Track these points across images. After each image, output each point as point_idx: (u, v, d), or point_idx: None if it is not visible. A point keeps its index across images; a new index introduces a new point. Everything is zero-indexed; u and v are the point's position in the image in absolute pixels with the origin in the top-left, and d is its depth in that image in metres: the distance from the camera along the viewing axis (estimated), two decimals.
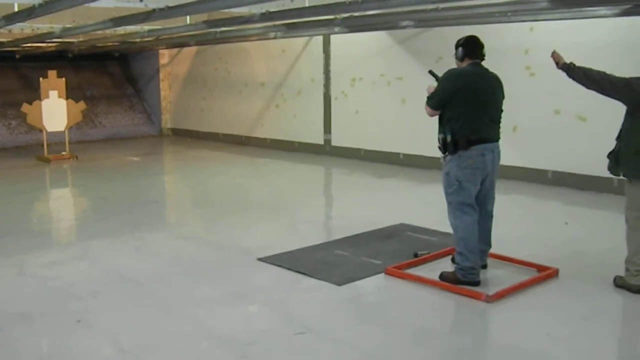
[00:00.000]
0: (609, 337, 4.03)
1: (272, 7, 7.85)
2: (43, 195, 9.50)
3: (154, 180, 10.61)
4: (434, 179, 8.66)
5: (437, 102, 4.72)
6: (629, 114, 4.62)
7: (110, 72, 17.31)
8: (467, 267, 4.67)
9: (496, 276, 4.97)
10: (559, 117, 8.41)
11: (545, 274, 4.94)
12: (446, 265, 5.18)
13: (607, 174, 4.91)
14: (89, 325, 4.17)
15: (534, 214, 7.30)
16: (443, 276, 4.82)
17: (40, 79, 12.03)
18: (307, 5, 7.63)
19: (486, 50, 4.82)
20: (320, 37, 11.77)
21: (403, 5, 7.19)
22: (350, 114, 11.43)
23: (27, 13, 7.14)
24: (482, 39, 4.84)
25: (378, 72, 10.83)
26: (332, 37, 11.56)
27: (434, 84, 4.90)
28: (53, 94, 12.02)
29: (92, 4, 6.52)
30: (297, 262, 5.39)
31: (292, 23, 9.43)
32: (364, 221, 6.73)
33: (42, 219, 7.83)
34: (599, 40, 7.87)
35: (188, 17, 9.24)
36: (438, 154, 4.86)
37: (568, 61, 4.73)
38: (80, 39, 12.24)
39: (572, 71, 4.68)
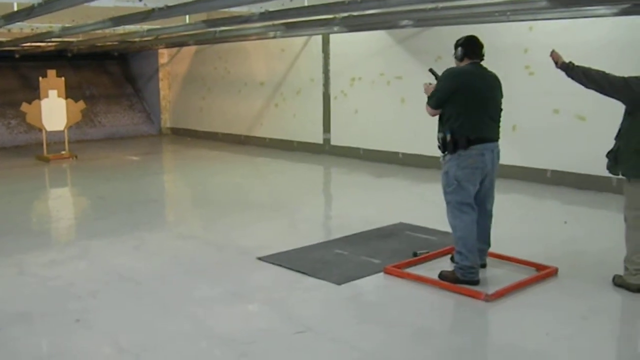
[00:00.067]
0: (608, 336, 4.03)
1: (272, 7, 7.84)
2: (42, 194, 9.50)
3: (154, 179, 10.61)
4: (433, 178, 8.65)
5: (436, 101, 4.73)
6: (628, 113, 4.63)
7: (109, 71, 17.30)
8: (467, 266, 4.68)
9: (495, 275, 4.97)
10: (558, 116, 8.41)
11: (544, 273, 4.94)
12: (445, 264, 5.18)
13: (606, 173, 4.92)
14: (88, 325, 4.18)
15: (533, 213, 7.30)
16: (442, 275, 4.82)
17: (40, 78, 12.03)
18: (306, 4, 7.63)
19: (485, 49, 4.82)
20: (320, 37, 11.76)
21: (402, 4, 7.18)
22: (350, 114, 11.43)
23: (27, 12, 7.14)
24: (482, 39, 4.84)
25: (377, 71, 10.84)
26: (332, 36, 11.56)
27: (432, 82, 4.91)
28: (52, 93, 12.02)
29: (92, 4, 6.52)
30: (297, 261, 5.39)
31: (292, 22, 9.43)
32: (363, 220, 6.73)
33: (42, 219, 7.83)
34: (598, 39, 7.87)
35: (187, 17, 9.24)
36: (437, 153, 4.87)
37: (567, 60, 4.73)
38: (80, 39, 12.23)
39: (571, 70, 4.68)
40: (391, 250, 5.67)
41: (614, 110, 4.90)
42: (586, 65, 4.70)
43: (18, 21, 8.02)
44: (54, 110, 12.04)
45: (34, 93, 13.01)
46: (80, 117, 12.70)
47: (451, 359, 3.71)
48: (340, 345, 3.85)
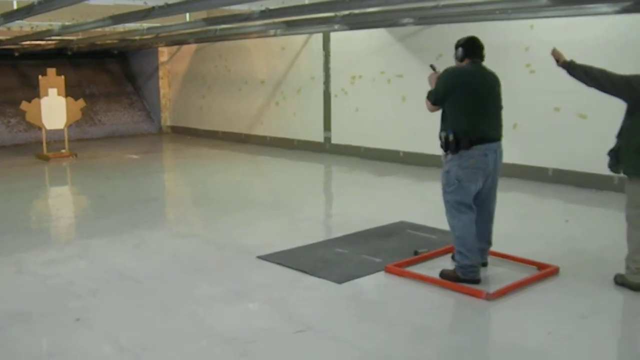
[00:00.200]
0: (609, 336, 4.02)
1: (272, 5, 7.83)
2: (42, 193, 9.49)
3: (154, 178, 10.60)
4: (434, 176, 8.64)
5: (436, 98, 4.72)
6: (629, 112, 4.61)
7: (109, 69, 17.29)
8: (467, 265, 4.67)
9: (496, 274, 4.96)
10: (559, 114, 8.39)
11: (545, 271, 4.93)
12: (446, 263, 5.17)
13: (608, 172, 4.91)
14: (88, 324, 4.17)
15: (535, 211, 7.29)
16: (443, 274, 4.81)
17: (40, 76, 12.02)
18: (306, 2, 7.61)
19: (486, 47, 4.80)
20: (320, 35, 11.75)
21: (403, 2, 7.18)
22: (350, 112, 11.42)
23: (26, 11, 7.13)
24: (483, 37, 4.83)
25: (378, 69, 10.82)
26: (332, 34, 11.54)
27: (434, 74, 4.90)
28: (52, 91, 12.00)
29: (92, 2, 6.52)
30: (297, 260, 5.38)
31: (292, 20, 9.42)
32: (363, 219, 6.72)
33: (41, 217, 7.81)
34: (599, 37, 7.85)
35: (187, 15, 9.23)
36: (438, 151, 4.85)
37: (568, 59, 4.72)
38: (80, 37, 12.22)
39: (573, 69, 4.67)
40: (392, 249, 5.66)
41: (615, 109, 4.88)
42: (587, 63, 4.69)
43: (18, 19, 8.01)
44: (53, 108, 12.03)
45: (33, 91, 12.98)
46: (80, 116, 12.68)
47: (452, 358, 3.70)
48: (340, 344, 3.84)
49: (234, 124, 14.24)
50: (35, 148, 13.17)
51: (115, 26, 9.87)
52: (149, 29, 10.32)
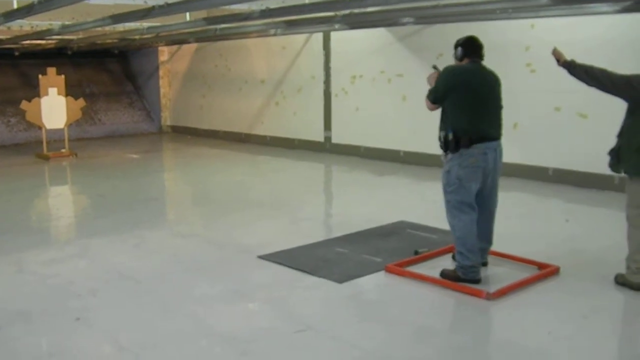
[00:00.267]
0: (609, 335, 4.02)
1: (272, 4, 7.83)
2: (42, 192, 9.49)
3: (154, 177, 10.60)
4: (434, 176, 8.64)
5: (435, 97, 4.72)
6: (630, 112, 4.61)
7: (109, 69, 17.29)
8: (468, 265, 4.66)
9: (497, 274, 4.96)
10: (559, 114, 8.39)
11: (546, 271, 4.93)
12: (446, 262, 5.16)
13: (608, 172, 4.90)
14: (88, 323, 4.16)
15: (535, 211, 7.29)
16: (444, 274, 4.81)
17: (40, 76, 12.02)
18: (307, 2, 7.61)
19: (487, 47, 4.80)
20: (321, 34, 11.74)
21: (403, 2, 7.17)
22: (351, 111, 11.41)
23: (26, 10, 7.12)
24: (483, 36, 4.82)
25: (378, 69, 10.81)
26: (332, 34, 11.54)
27: (434, 74, 4.89)
28: (52, 91, 12.00)
29: (92, 1, 6.52)
30: (298, 259, 5.37)
31: (292, 20, 9.42)
32: (364, 219, 6.72)
33: (41, 217, 7.81)
34: (599, 37, 7.85)
35: (188, 14, 9.22)
36: (438, 151, 4.84)
37: (569, 58, 4.72)
38: (80, 36, 12.21)
39: (573, 68, 4.66)
40: (392, 248, 5.66)
41: (615, 108, 4.87)
42: (588, 63, 4.68)
43: (18, 19, 8.00)
44: (53, 108, 12.02)
45: (33, 91, 12.98)
46: (80, 115, 12.68)
47: (452, 357, 3.69)
48: (340, 344, 3.83)
49: (234, 124, 14.24)
50: (35, 147, 13.17)
51: (115, 25, 9.86)
52: (149, 28, 10.32)
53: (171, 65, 16.27)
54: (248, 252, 5.65)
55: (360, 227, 6.39)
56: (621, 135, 4.66)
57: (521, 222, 6.72)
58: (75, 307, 4.41)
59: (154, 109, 16.72)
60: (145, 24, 10.17)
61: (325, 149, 11.98)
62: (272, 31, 10.66)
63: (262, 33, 11.13)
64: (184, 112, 15.98)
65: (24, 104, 11.93)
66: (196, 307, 4.42)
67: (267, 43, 12.94)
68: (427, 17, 8.72)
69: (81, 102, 12.52)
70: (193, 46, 15.15)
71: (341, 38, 11.42)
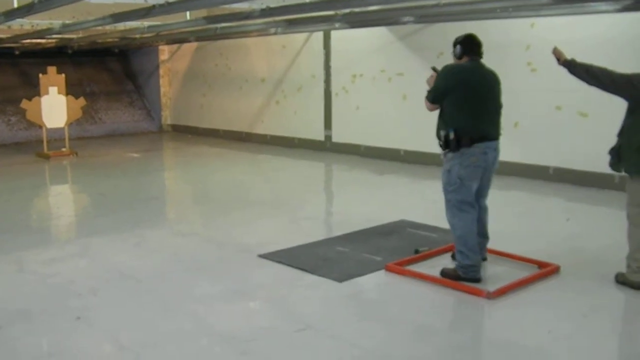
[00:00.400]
0: (609, 334, 4.02)
1: (272, 3, 7.83)
2: (42, 191, 9.50)
3: (154, 176, 10.60)
4: (434, 175, 8.63)
5: (434, 96, 4.71)
6: (630, 111, 4.60)
7: (110, 68, 17.29)
8: (468, 264, 4.66)
9: (497, 273, 4.96)
10: (560, 113, 8.38)
11: (546, 270, 4.92)
12: (447, 261, 5.16)
13: (609, 171, 4.90)
14: (88, 323, 4.16)
15: (535, 210, 7.28)
16: (444, 273, 4.81)
17: (40, 75, 12.02)
18: (307, 1, 7.60)
19: (487, 46, 4.79)
20: (321, 33, 11.74)
21: (404, 0, 7.16)
22: (351, 110, 11.41)
23: (27, 9, 7.12)
24: (484, 35, 4.82)
25: (379, 68, 10.81)
26: (333, 32, 11.53)
27: (433, 75, 4.89)
28: (53, 90, 12.00)
29: (92, 0, 6.51)
30: (298, 258, 5.38)
31: (293, 19, 9.41)
32: (364, 218, 6.71)
33: (42, 216, 7.81)
34: (600, 36, 7.84)
35: (188, 13, 9.22)
36: (438, 150, 4.84)
37: (569, 57, 4.71)
38: (80, 35, 12.21)
39: (574, 67, 4.66)
40: (392, 247, 5.65)
41: (616, 107, 4.87)
42: (588, 62, 4.68)
43: (18, 17, 8.00)
44: (54, 107, 12.02)
45: (34, 90, 12.99)
46: (81, 114, 12.69)
47: (452, 356, 3.69)
48: (340, 343, 3.83)
49: (235, 123, 14.24)
50: (36, 146, 13.18)
51: (115, 24, 9.86)
52: (149, 27, 10.31)
53: (171, 64, 16.27)
54: (248, 251, 5.65)
55: (361, 226, 6.39)
56: (621, 134, 4.66)
57: (521, 220, 6.72)
58: (75, 307, 4.41)
59: (155, 108, 16.72)
60: (145, 23, 10.17)
61: (325, 147, 11.97)
62: (273, 30, 10.66)
63: (262, 32, 11.13)
64: (185, 111, 15.98)
65: (25, 103, 11.93)
66: (196, 306, 4.43)
67: (268, 42, 12.93)
68: (428, 16, 8.71)
69: (81, 101, 12.52)
70: (193, 45, 15.15)
71: (341, 37, 11.41)
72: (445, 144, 4.65)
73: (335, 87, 11.69)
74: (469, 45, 4.72)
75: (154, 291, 4.76)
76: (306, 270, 5.08)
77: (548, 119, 8.50)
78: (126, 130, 16.11)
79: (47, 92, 11.95)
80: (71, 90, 12.70)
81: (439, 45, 9.30)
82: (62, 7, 7.34)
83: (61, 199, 9.00)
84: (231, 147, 13.22)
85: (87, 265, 5.49)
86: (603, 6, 7.04)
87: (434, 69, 4.98)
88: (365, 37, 10.88)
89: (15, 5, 7.54)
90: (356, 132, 11.35)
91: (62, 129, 12.36)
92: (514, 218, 6.70)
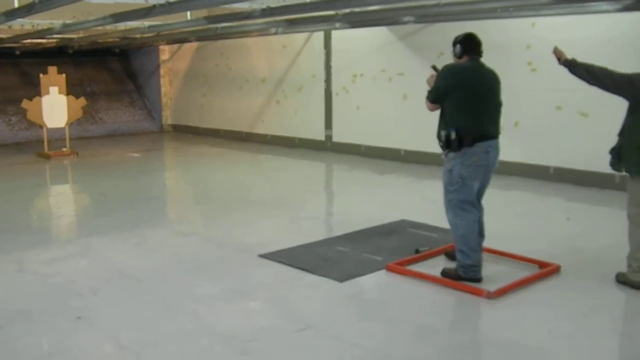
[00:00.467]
0: (610, 334, 4.02)
1: (273, 3, 7.83)
2: (43, 191, 9.50)
3: (155, 176, 10.60)
4: (435, 175, 8.64)
5: (435, 96, 4.71)
6: (630, 110, 4.60)
7: (110, 68, 17.29)
8: (469, 264, 4.66)
9: (497, 272, 4.96)
10: (560, 112, 8.38)
11: (546, 270, 4.92)
12: (453, 261, 5.15)
13: (609, 170, 4.89)
14: (89, 322, 4.17)
15: (536, 210, 7.28)
16: (444, 272, 4.81)
17: (41, 75, 12.02)
18: (307, 1, 7.60)
19: (488, 46, 4.79)
20: (321, 33, 11.74)
21: (404, 0, 7.16)
22: (351, 110, 11.41)
23: (27, 9, 7.13)
24: (484, 35, 4.81)
25: (379, 67, 10.81)
26: (333, 32, 11.53)
27: (433, 75, 4.88)
28: (53, 90, 12.00)
29: (93, 0, 6.51)
30: (298, 258, 5.38)
31: (293, 19, 9.41)
32: (365, 217, 6.71)
33: (42, 216, 7.82)
34: (600, 35, 7.84)
35: (189, 13, 9.22)
36: (439, 150, 4.83)
37: (570, 57, 4.71)
38: (81, 35, 12.22)
39: (574, 67, 4.66)
40: (393, 247, 5.65)
41: (616, 107, 4.87)
42: (589, 61, 4.68)
43: (19, 17, 8.01)
44: (54, 107, 12.03)
45: (34, 90, 13.00)
46: (81, 114, 12.69)
47: (452, 356, 3.69)
48: (341, 343, 3.83)
49: (235, 123, 14.24)
50: (37, 146, 13.18)
51: (116, 24, 9.87)
52: (150, 27, 10.32)
53: (172, 64, 16.27)
54: (249, 251, 5.65)
55: (361, 225, 6.38)
56: (622, 134, 4.66)
57: (522, 220, 6.72)
58: (76, 306, 4.42)
59: (155, 107, 16.73)
60: (146, 22, 10.18)
61: (326, 147, 11.97)
62: (273, 30, 10.66)
63: (263, 32, 11.13)
64: (185, 111, 15.98)
65: (25, 103, 11.94)
66: (197, 306, 4.43)
67: (268, 42, 12.93)
68: (428, 16, 8.71)
69: (82, 101, 12.52)
70: (194, 45, 15.15)
71: (342, 37, 11.41)
72: (447, 144, 4.64)
73: (335, 87, 11.69)
74: (469, 45, 4.71)
75: (155, 291, 4.76)
76: (307, 270, 5.08)
77: (548, 118, 8.50)
78: (127, 130, 16.11)
79: (47, 92, 11.95)
80: (72, 90, 12.70)
81: (439, 45, 9.29)
82: (62, 7, 7.34)
83: (62, 199, 9.00)
84: (232, 147, 13.22)
85: (87, 265, 5.49)
86: (604, 6, 7.04)
87: (434, 67, 4.98)
88: (366, 37, 10.88)
89: (16, 5, 7.55)
90: (357, 132, 11.35)
91: (62, 128, 12.36)
92: (514, 218, 6.70)
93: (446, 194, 4.76)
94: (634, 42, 7.57)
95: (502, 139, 4.80)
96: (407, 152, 10.48)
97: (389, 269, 5.04)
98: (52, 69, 12.08)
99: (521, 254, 5.26)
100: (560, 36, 7.38)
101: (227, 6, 8.23)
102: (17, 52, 14.92)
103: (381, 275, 4.98)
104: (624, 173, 4.72)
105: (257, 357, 3.66)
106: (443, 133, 4.66)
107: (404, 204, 7.62)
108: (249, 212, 7.34)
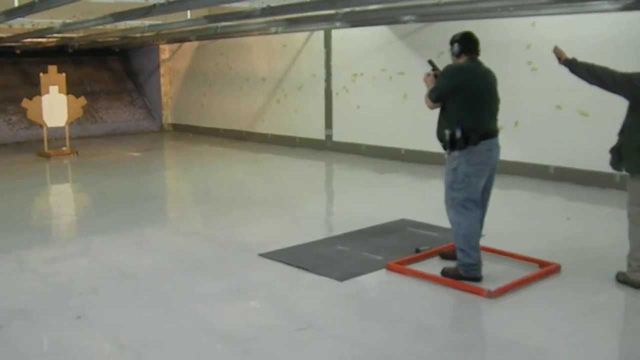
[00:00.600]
0: (610, 333, 4.02)
1: (273, 2, 7.83)
2: (43, 191, 9.50)
3: (155, 175, 10.60)
4: (435, 174, 8.65)
5: (438, 96, 4.71)
6: (631, 110, 4.60)
7: (110, 67, 17.28)
8: (469, 263, 4.66)
9: (498, 272, 4.96)
10: (560, 112, 8.38)
11: (547, 269, 4.92)
12: (448, 260, 5.15)
13: (609, 170, 4.89)
14: (89, 322, 4.17)
15: (536, 209, 7.28)
16: (445, 272, 4.81)
17: (41, 74, 12.01)
18: (308, 0, 7.60)
19: (488, 45, 4.80)
20: (322, 32, 11.73)
21: (404, 0, 7.16)
22: (352, 109, 11.41)
23: (28, 8, 7.13)
24: (484, 34, 4.82)
25: (379, 67, 10.81)
26: (333, 31, 11.53)
27: (430, 73, 4.89)
28: (53, 89, 12.00)
29: None
30: (299, 257, 5.38)
31: (293, 18, 9.41)
32: (365, 217, 6.71)
33: (43, 215, 7.82)
34: (600, 35, 7.84)
35: (189, 12, 9.22)
36: (440, 149, 4.83)
37: (570, 56, 4.71)
38: (81, 34, 12.22)
39: (575, 67, 4.65)
40: (393, 246, 5.65)
41: (617, 107, 4.87)
42: (589, 61, 4.67)
43: (19, 17, 8.01)
44: (54, 106, 12.02)
45: (34, 89, 12.99)
46: (81, 113, 12.69)
47: (453, 355, 3.69)
48: (341, 342, 3.83)
49: (235, 122, 14.24)
50: (37, 146, 13.18)
51: (116, 24, 9.86)
52: (150, 26, 10.31)
53: (172, 63, 16.26)
54: (249, 250, 5.65)
55: (361, 225, 6.38)
56: (622, 133, 4.65)
57: (522, 220, 6.72)
58: (76, 306, 4.42)
59: (155, 107, 16.72)
60: (146, 22, 10.17)
61: (326, 147, 11.97)
62: (273, 29, 10.66)
63: (263, 31, 11.14)
64: (185, 110, 15.98)
65: (25, 102, 11.93)
66: (197, 305, 4.43)
67: (268, 41, 12.93)
68: (428, 15, 8.71)
69: (82, 100, 12.52)
70: (194, 44, 15.14)
71: (342, 36, 11.41)
72: (452, 143, 4.63)
73: (335, 86, 11.69)
74: (467, 43, 4.72)
75: (155, 290, 4.76)
76: (307, 270, 5.08)
77: (548, 118, 8.50)
78: (127, 129, 16.11)
79: (47, 91, 11.95)
80: (72, 89, 12.70)
81: (439, 44, 9.23)
82: (62, 7, 7.34)
83: (62, 198, 9.00)
84: (232, 146, 13.22)
85: (87, 264, 5.49)
86: (604, 5, 7.04)
87: (430, 62, 4.98)
88: (366, 36, 10.88)
89: (16, 4, 7.54)
90: (357, 131, 11.35)
91: (62, 128, 12.36)
92: (514, 217, 6.69)
93: (449, 192, 4.75)
94: (634, 42, 7.57)
95: (503, 139, 4.81)
96: (407, 151, 10.48)
97: (389, 268, 5.04)
98: (52, 68, 12.08)
99: (521, 253, 5.26)
100: (560, 35, 7.39)
101: (227, 5, 8.23)
102: (17, 52, 14.93)
103: (381, 275, 4.98)
104: (624, 172, 4.72)
105: (257, 356, 3.66)
106: (447, 132, 4.65)
107: (404, 203, 7.62)
108: (249, 212, 7.34)
